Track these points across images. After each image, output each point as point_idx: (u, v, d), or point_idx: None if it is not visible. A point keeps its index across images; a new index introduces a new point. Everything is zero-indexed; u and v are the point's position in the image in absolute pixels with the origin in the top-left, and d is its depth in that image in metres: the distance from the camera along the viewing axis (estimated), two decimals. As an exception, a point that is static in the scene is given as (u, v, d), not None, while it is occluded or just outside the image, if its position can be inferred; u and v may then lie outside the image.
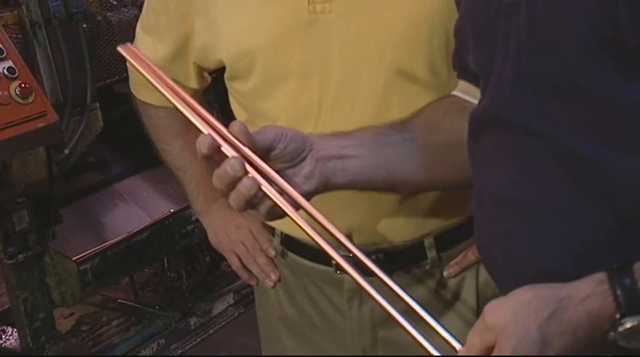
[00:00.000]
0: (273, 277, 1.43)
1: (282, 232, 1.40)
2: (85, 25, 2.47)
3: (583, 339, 0.80)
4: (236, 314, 3.03)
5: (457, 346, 0.86)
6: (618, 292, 0.78)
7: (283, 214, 0.96)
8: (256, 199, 0.95)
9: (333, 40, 1.19)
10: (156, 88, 1.01)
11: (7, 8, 2.35)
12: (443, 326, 0.90)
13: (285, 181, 0.97)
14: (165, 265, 3.06)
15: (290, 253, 1.40)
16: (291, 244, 1.39)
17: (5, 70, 2.13)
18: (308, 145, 1.01)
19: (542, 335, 0.78)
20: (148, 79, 1.02)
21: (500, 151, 0.94)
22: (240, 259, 1.49)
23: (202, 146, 0.93)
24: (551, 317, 0.79)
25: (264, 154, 0.97)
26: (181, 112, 0.99)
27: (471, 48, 1.01)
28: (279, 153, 0.98)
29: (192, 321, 2.97)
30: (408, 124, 1.11)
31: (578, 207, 0.86)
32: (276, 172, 0.97)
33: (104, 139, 2.60)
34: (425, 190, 1.19)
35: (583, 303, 0.79)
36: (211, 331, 2.97)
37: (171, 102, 1.00)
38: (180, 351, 2.88)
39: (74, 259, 2.50)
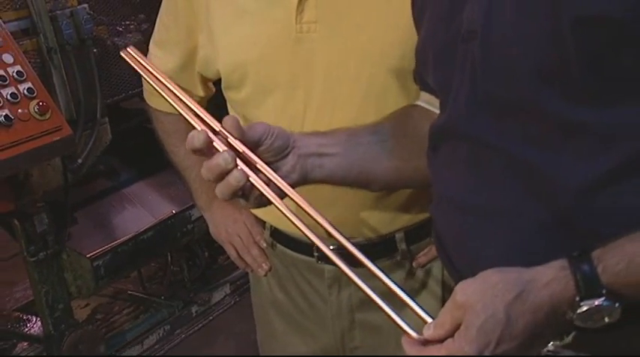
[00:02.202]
0: (265, 267, 1.45)
1: (271, 226, 1.42)
2: (95, 50, 2.49)
3: (544, 319, 0.79)
4: (232, 302, 3.04)
5: (429, 320, 0.85)
6: (578, 278, 0.78)
7: (268, 203, 0.95)
8: (243, 189, 0.93)
9: (317, 56, 1.20)
10: (150, 85, 1.00)
11: (27, 37, 2.37)
12: (416, 301, 0.89)
13: (273, 171, 0.95)
14: (169, 259, 3.06)
15: (278, 245, 1.42)
16: (279, 236, 1.41)
17: (25, 91, 2.14)
18: (291, 142, 1.00)
19: (508, 315, 0.78)
20: (144, 78, 1.02)
21: (456, 161, 0.94)
22: (236, 249, 1.50)
23: (196, 141, 0.91)
24: (517, 298, 0.79)
25: (253, 148, 0.95)
26: (175, 109, 0.97)
27: (430, 68, 1.01)
28: (267, 148, 0.97)
29: (194, 309, 2.98)
30: (379, 127, 1.11)
31: (525, 209, 0.86)
32: (266, 163, 0.96)
33: (113, 150, 2.61)
34: (393, 188, 1.19)
35: (546, 287, 0.79)
36: (211, 318, 2.97)
37: (165, 99, 0.98)
38: (183, 336, 2.88)
39: (88, 256, 2.51)
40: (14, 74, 2.15)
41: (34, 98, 2.14)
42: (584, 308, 0.79)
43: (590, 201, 0.82)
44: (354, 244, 1.26)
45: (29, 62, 2.23)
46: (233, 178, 0.91)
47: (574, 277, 0.79)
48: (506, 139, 0.87)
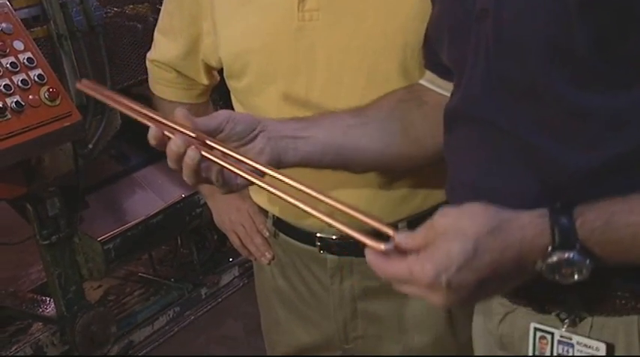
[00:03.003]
0: (268, 255, 1.43)
1: (274, 215, 1.39)
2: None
3: (510, 260, 0.76)
4: (240, 285, 3.02)
5: (390, 232, 0.78)
6: (555, 228, 0.76)
7: (239, 185, 0.92)
8: (208, 173, 0.90)
9: (318, 44, 1.17)
10: (107, 103, 0.96)
11: (37, 24, 2.35)
12: (376, 218, 0.81)
13: (242, 154, 0.91)
14: (179, 242, 3.04)
15: (281, 234, 1.39)
16: (281, 225, 1.38)
17: (36, 77, 2.12)
18: (260, 126, 0.96)
19: (475, 246, 0.75)
20: (100, 99, 0.97)
21: (470, 143, 0.92)
22: (240, 238, 1.48)
23: (150, 138, 0.89)
24: (489, 233, 0.76)
25: (212, 135, 0.92)
26: (132, 117, 0.93)
27: (445, 46, 0.98)
28: (228, 133, 0.93)
29: (203, 291, 2.96)
30: (363, 110, 1.08)
31: (535, 194, 0.84)
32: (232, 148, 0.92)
33: (123, 135, 2.59)
34: (374, 170, 1.15)
35: (520, 229, 0.76)
36: (219, 300, 2.96)
37: (121, 111, 0.94)
38: (192, 317, 2.87)
39: (99, 239, 2.50)
40: (25, 61, 2.13)
41: (44, 84, 2.13)
42: (554, 259, 0.76)
43: (599, 186, 0.80)
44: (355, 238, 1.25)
45: (40, 49, 2.21)
46: (188, 158, 0.88)
47: (550, 226, 0.76)
48: (518, 123, 0.85)
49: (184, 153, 0.88)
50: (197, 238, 3.01)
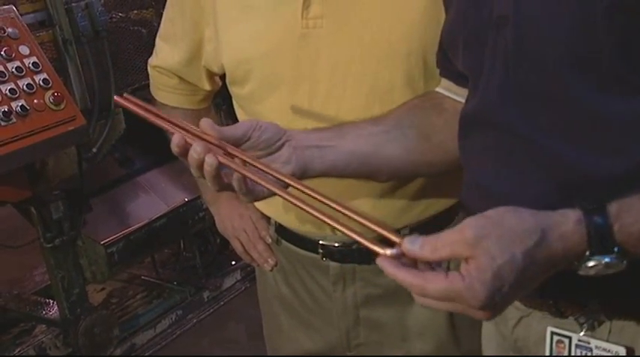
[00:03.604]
0: (271, 262, 1.41)
1: (276, 222, 1.37)
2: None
3: (552, 269, 0.75)
4: (243, 288, 3.01)
5: (397, 240, 0.75)
6: (592, 234, 0.74)
7: (263, 194, 0.91)
8: (230, 179, 0.89)
9: (322, 52, 1.15)
10: (142, 116, 0.95)
11: (43, 29, 2.34)
12: (381, 224, 0.79)
13: (263, 163, 0.91)
14: (182, 246, 3.03)
15: (284, 241, 1.37)
16: (284, 232, 1.36)
17: (41, 82, 2.12)
18: (285, 136, 0.96)
19: (525, 261, 0.72)
20: (138, 113, 0.95)
21: (486, 148, 0.90)
22: (242, 244, 1.46)
23: (173, 145, 0.89)
24: (535, 246, 0.73)
25: (238, 143, 0.92)
26: (161, 127, 0.92)
27: (460, 53, 0.96)
28: (254, 141, 0.93)
29: (205, 294, 2.95)
30: (383, 118, 1.07)
31: (553, 201, 0.81)
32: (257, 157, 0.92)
33: (127, 139, 2.58)
34: (400, 177, 1.14)
35: (561, 238, 0.74)
36: (222, 303, 2.95)
37: (155, 123, 0.93)
38: (195, 320, 2.86)
39: (102, 242, 2.48)
40: (30, 65, 2.13)
41: (49, 89, 2.12)
42: (592, 263, 0.75)
43: (620, 193, 0.77)
44: (358, 246, 1.23)
45: (45, 54, 2.20)
46: (206, 164, 0.88)
47: (587, 233, 0.74)
48: (536, 129, 0.84)
49: (204, 160, 0.87)
50: (200, 241, 3.00)
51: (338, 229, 0.79)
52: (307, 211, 0.81)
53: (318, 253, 1.29)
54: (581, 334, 0.87)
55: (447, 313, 1.30)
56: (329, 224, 0.79)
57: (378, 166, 1.05)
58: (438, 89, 1.09)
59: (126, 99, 0.94)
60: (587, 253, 0.74)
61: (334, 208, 0.83)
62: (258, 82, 1.21)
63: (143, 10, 2.62)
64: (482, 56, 0.89)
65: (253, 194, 0.92)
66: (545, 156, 0.83)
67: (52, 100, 2.10)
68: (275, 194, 0.88)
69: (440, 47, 1.05)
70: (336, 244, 1.27)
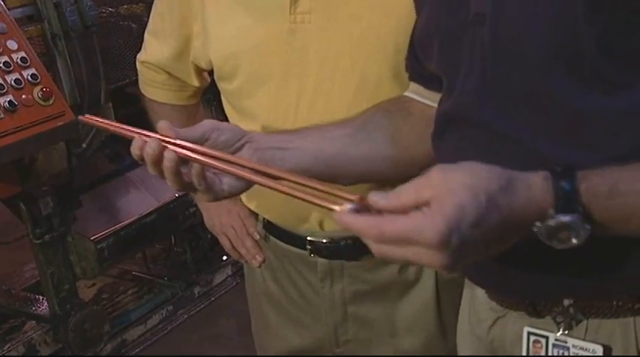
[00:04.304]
0: (259, 258, 1.40)
1: (264, 218, 1.36)
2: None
3: (515, 221, 0.71)
4: (234, 284, 2.99)
5: (352, 197, 0.72)
6: (558, 191, 0.71)
7: (223, 193, 0.89)
8: (189, 177, 0.87)
9: (310, 47, 1.14)
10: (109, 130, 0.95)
11: (31, 23, 2.31)
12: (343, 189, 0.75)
13: (224, 155, 0.88)
14: (173, 241, 3.01)
15: (271, 237, 1.36)
16: (272, 229, 1.35)
17: (29, 77, 2.09)
18: (246, 138, 0.94)
19: (488, 202, 0.69)
20: (101, 128, 0.96)
21: (464, 148, 0.88)
22: (230, 240, 1.45)
23: (132, 149, 0.88)
24: (500, 190, 0.70)
25: (197, 144, 0.89)
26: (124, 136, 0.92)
27: (435, 53, 0.95)
28: (213, 142, 0.91)
29: (196, 290, 2.93)
30: (349, 121, 1.06)
31: None
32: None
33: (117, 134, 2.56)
34: (364, 181, 1.10)
35: (528, 188, 0.71)
36: (212, 299, 2.93)
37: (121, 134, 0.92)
38: (185, 316, 2.85)
39: (92, 238, 2.46)
40: (18, 60, 2.10)
41: (37, 84, 2.10)
42: (555, 222, 0.71)
43: None
44: (346, 242, 1.23)
45: (34, 49, 2.18)
46: (166, 160, 0.85)
47: (554, 189, 0.71)
48: (515, 127, 0.82)
49: (161, 156, 0.85)
50: (191, 237, 2.98)
51: (294, 196, 0.76)
52: (280, 190, 0.78)
53: (305, 249, 1.28)
54: (558, 333, 0.86)
55: (435, 309, 1.30)
56: (284, 192, 0.77)
57: (341, 168, 1.03)
58: (406, 93, 1.08)
59: (89, 119, 0.95)
60: (551, 210, 0.71)
61: (302, 184, 0.80)
62: (246, 77, 1.20)
63: (133, 4, 2.60)
64: (459, 56, 0.87)
65: (213, 191, 0.90)
66: (523, 153, 0.82)
67: (40, 96, 2.08)
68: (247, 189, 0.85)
69: (410, 50, 1.04)
70: (324, 240, 1.27)
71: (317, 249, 1.28)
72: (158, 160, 0.86)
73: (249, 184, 0.90)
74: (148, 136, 0.88)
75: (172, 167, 0.85)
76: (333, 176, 1.02)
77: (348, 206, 0.70)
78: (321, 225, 1.25)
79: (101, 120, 0.94)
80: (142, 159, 0.88)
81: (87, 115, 0.95)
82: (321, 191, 0.76)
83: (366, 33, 1.12)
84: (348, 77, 1.15)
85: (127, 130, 0.91)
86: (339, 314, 1.33)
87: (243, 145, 0.94)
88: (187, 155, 0.86)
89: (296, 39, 1.14)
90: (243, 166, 0.86)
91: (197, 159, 0.86)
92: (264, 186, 0.81)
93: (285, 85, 1.17)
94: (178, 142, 0.87)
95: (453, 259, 0.69)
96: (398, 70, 1.13)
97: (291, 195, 0.76)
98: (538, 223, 0.72)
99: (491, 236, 0.70)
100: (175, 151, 0.85)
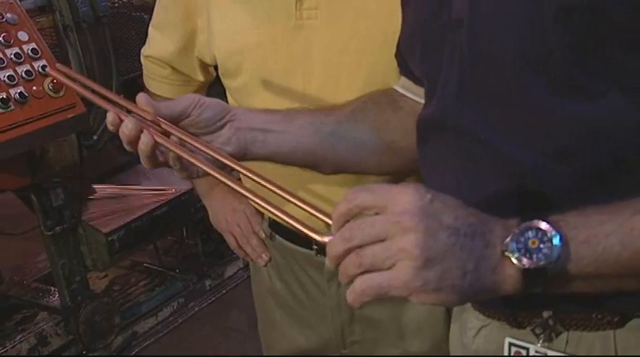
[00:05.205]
0: (265, 257, 1.38)
1: (269, 217, 1.35)
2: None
3: (474, 226, 0.67)
4: (245, 276, 2.96)
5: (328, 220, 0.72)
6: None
7: (199, 172, 0.86)
8: (165, 156, 0.86)
9: (316, 44, 1.12)
10: (73, 88, 0.94)
11: (43, 14, 2.30)
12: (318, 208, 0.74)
13: (201, 142, 0.87)
14: (184, 233, 3.00)
15: (277, 236, 1.34)
16: (277, 228, 1.33)
17: (40, 68, 2.08)
18: (229, 116, 0.92)
19: (431, 197, 0.66)
20: (70, 86, 0.94)
21: (446, 154, 0.87)
22: (236, 239, 1.44)
23: (108, 123, 0.86)
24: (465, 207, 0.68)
25: (177, 120, 0.88)
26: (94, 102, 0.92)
27: (417, 57, 0.93)
28: (194, 119, 0.89)
29: (208, 282, 2.92)
30: (337, 110, 1.03)
31: (513, 208, 0.77)
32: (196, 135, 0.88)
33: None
34: (345, 172, 1.08)
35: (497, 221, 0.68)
36: (224, 291, 2.92)
37: (86, 96, 0.92)
38: (196, 309, 2.84)
39: (103, 230, 2.45)
40: (29, 52, 2.09)
41: (48, 75, 2.08)
42: (522, 227, 0.67)
43: (579, 199, 0.73)
44: None
45: (45, 40, 2.16)
46: (142, 143, 0.84)
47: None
48: (493, 133, 0.80)
49: (137, 137, 0.83)
50: (202, 229, 2.96)
51: (271, 213, 0.75)
52: (241, 193, 0.77)
53: (312, 249, 1.26)
54: (539, 345, 0.84)
55: (443, 311, 1.27)
56: (262, 206, 0.75)
57: (323, 157, 1.00)
58: (396, 87, 1.05)
59: (58, 71, 0.92)
60: (518, 220, 0.67)
61: (273, 191, 0.79)
62: (250, 74, 1.17)
63: (145, -5, 2.58)
64: (439, 61, 0.85)
65: (188, 171, 0.88)
66: (503, 161, 0.79)
67: (51, 87, 2.06)
68: (208, 174, 0.83)
69: (397, 49, 1.02)
70: (328, 239, 1.23)
71: (323, 249, 1.24)
72: (134, 141, 0.84)
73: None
74: (126, 108, 0.86)
75: (148, 150, 0.84)
76: (313, 164, 1.01)
77: (326, 238, 0.71)
78: (327, 224, 1.22)
79: (73, 75, 0.92)
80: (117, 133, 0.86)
81: (58, 65, 0.92)
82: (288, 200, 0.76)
83: (373, 30, 1.09)
84: (354, 76, 1.12)
85: (102, 96, 0.89)
86: (346, 315, 1.30)
87: (224, 124, 0.91)
88: (163, 143, 0.84)
89: (301, 36, 1.12)
90: (220, 160, 0.84)
91: (171, 148, 0.84)
92: (226, 185, 0.79)
93: (290, 83, 1.15)
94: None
95: (426, 245, 0.64)
96: None
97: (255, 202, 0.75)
98: (507, 239, 0.67)
99: (453, 236, 0.66)
100: (153, 137, 0.83)
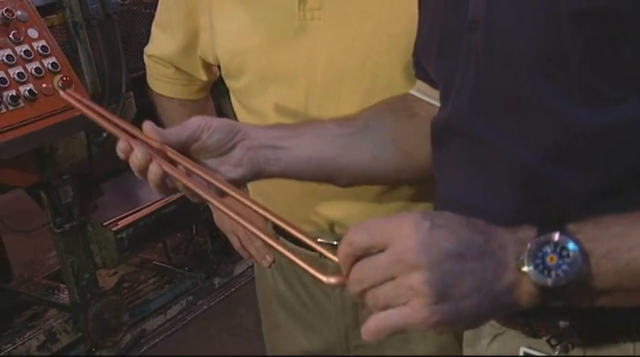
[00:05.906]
0: (269, 258, 1.36)
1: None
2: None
3: (480, 241, 0.65)
4: (254, 275, 2.97)
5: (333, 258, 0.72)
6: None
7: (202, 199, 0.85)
8: (174, 184, 0.85)
9: (320, 45, 1.09)
10: (87, 115, 0.93)
11: (52, 11, 2.29)
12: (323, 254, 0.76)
13: (205, 170, 0.86)
14: (194, 231, 2.99)
15: (281, 238, 1.33)
16: (281, 229, 1.32)
17: (49, 66, 2.08)
18: (239, 135, 0.90)
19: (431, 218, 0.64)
20: (83, 112, 0.94)
21: (459, 160, 0.85)
22: (240, 240, 1.42)
23: (118, 151, 0.86)
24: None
25: (186, 145, 0.87)
26: (105, 128, 0.91)
27: (433, 58, 0.91)
28: (204, 143, 0.87)
29: (216, 280, 2.92)
30: (350, 119, 1.00)
31: (524, 214, 0.75)
32: (194, 161, 0.87)
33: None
34: (363, 183, 1.07)
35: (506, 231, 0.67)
36: (233, 290, 2.92)
37: (101, 125, 0.91)
38: (205, 306, 2.84)
39: (112, 228, 2.46)
40: (39, 49, 2.09)
41: (57, 73, 2.09)
42: (538, 242, 0.64)
43: (594, 208, 0.70)
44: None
45: (55, 37, 2.16)
46: (150, 173, 0.84)
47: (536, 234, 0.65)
48: (507, 140, 0.78)
49: (147, 166, 0.83)
50: (211, 227, 2.94)
51: (276, 250, 0.77)
52: (240, 223, 0.79)
53: (315, 251, 1.24)
54: (555, 354, 0.82)
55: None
56: (264, 240, 0.78)
57: (338, 171, 0.98)
58: (412, 91, 1.03)
59: (69, 95, 0.92)
60: (535, 234, 0.65)
61: (275, 223, 0.80)
62: (253, 75, 1.16)
63: (155, -8, 2.56)
64: (455, 64, 0.83)
65: (200, 199, 0.86)
66: (517, 168, 0.77)
67: (60, 85, 2.06)
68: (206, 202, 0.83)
69: (415, 49, 0.99)
70: (335, 243, 1.22)
71: (327, 251, 1.23)
72: (144, 170, 0.84)
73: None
74: (135, 137, 0.86)
75: (157, 180, 0.84)
76: (327, 177, 0.99)
77: (332, 279, 0.71)
78: (331, 227, 1.20)
79: (83, 100, 0.91)
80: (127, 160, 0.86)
81: (68, 91, 0.93)
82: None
83: (377, 32, 1.07)
84: (358, 78, 1.10)
85: (111, 123, 0.88)
86: (351, 319, 1.28)
87: (235, 145, 0.90)
88: (171, 173, 0.84)
89: (304, 37, 1.10)
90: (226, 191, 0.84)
91: (178, 179, 0.83)
92: (233, 220, 0.80)
93: (293, 84, 1.13)
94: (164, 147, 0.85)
95: (433, 280, 0.63)
96: (409, 70, 1.07)
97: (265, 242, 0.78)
98: (522, 256, 0.65)
99: (461, 250, 0.64)
100: (161, 167, 0.83)
